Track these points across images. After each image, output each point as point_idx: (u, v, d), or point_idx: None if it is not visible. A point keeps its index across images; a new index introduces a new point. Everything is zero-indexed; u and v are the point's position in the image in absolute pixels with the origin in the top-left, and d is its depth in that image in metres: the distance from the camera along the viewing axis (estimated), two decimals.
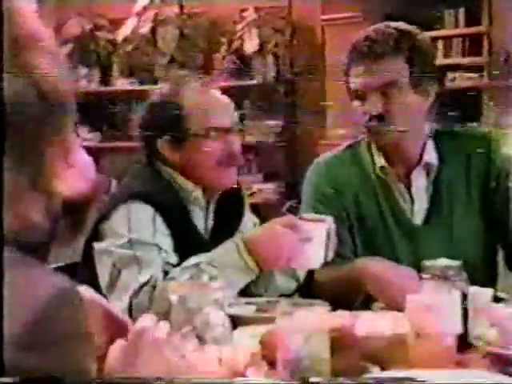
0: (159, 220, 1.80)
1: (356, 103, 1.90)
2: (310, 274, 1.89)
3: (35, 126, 0.78)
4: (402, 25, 1.91)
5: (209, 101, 1.90)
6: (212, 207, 1.96)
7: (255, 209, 2.20)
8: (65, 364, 0.77)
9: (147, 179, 1.90)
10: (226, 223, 1.96)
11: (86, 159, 1.01)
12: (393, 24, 1.90)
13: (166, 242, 1.80)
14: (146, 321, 1.14)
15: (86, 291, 1.17)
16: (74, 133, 0.90)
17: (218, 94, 1.93)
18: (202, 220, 1.93)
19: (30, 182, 0.78)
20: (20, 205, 0.76)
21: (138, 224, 1.78)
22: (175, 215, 1.85)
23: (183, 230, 1.86)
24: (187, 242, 1.83)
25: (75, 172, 0.89)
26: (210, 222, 1.95)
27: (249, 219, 2.05)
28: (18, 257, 0.75)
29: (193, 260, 1.73)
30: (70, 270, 1.91)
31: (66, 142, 0.83)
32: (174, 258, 1.78)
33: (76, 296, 0.79)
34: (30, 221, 0.77)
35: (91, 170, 0.99)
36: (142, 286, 1.69)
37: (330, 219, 1.76)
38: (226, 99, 1.93)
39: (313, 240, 1.72)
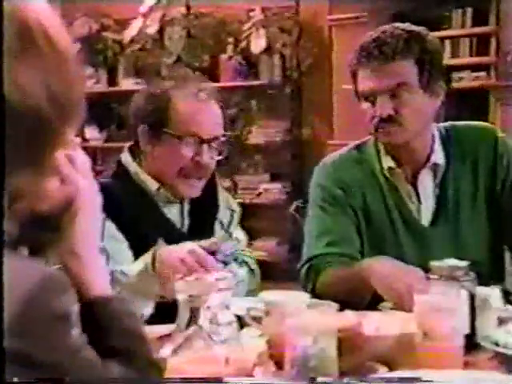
0: (110, 225, 1.77)
1: (365, 105, 1.90)
2: (317, 273, 1.89)
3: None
4: (410, 26, 1.90)
5: (199, 108, 1.86)
6: (187, 200, 1.95)
7: (261, 208, 2.20)
8: (57, 347, 0.78)
9: (110, 181, 1.87)
10: (203, 212, 1.97)
11: (83, 160, 1.01)
12: (401, 25, 1.89)
13: (116, 247, 1.77)
14: None
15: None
16: (69, 135, 0.90)
17: (211, 103, 1.88)
18: (177, 214, 1.93)
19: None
20: None
21: None
22: (139, 215, 1.84)
23: (154, 227, 1.84)
24: (164, 238, 1.81)
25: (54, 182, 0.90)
26: (187, 214, 1.94)
27: (225, 207, 2.04)
28: None
29: None
30: None
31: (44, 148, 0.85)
32: (122, 266, 1.71)
33: (62, 278, 0.81)
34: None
35: (88, 171, 0.99)
36: None
37: None
38: (217, 111, 1.89)
39: None
